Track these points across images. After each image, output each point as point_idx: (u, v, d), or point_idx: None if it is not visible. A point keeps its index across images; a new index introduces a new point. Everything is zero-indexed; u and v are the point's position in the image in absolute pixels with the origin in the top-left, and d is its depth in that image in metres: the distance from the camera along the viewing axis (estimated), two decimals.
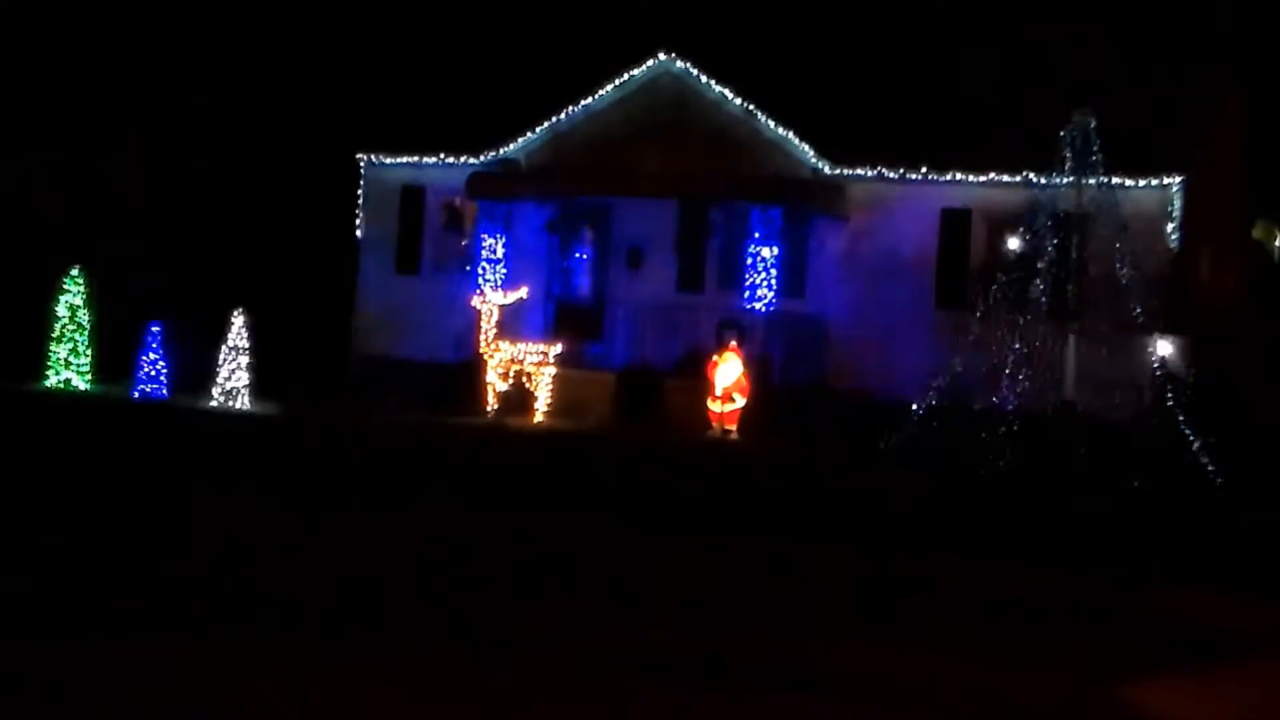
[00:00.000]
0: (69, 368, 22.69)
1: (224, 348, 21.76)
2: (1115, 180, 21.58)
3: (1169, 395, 19.74)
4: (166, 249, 30.16)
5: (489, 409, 22.07)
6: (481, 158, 25.06)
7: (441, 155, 25.56)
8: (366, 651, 7.85)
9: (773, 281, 22.27)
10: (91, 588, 9.13)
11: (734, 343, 21.19)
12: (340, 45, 32.20)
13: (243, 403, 21.65)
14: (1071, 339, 21.50)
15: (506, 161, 25.00)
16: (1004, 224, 22.47)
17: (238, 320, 21.76)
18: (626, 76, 24.23)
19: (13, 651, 7.52)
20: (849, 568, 11.48)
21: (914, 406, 20.43)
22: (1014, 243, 21.83)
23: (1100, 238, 21.62)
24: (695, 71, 23.83)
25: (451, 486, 14.94)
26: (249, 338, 21.80)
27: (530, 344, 22.40)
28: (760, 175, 22.98)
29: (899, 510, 14.87)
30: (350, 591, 9.46)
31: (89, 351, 22.88)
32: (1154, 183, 21.56)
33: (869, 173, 22.95)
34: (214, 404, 21.51)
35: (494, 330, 22.28)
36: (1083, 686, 8.00)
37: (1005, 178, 22.20)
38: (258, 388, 21.95)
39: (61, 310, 22.73)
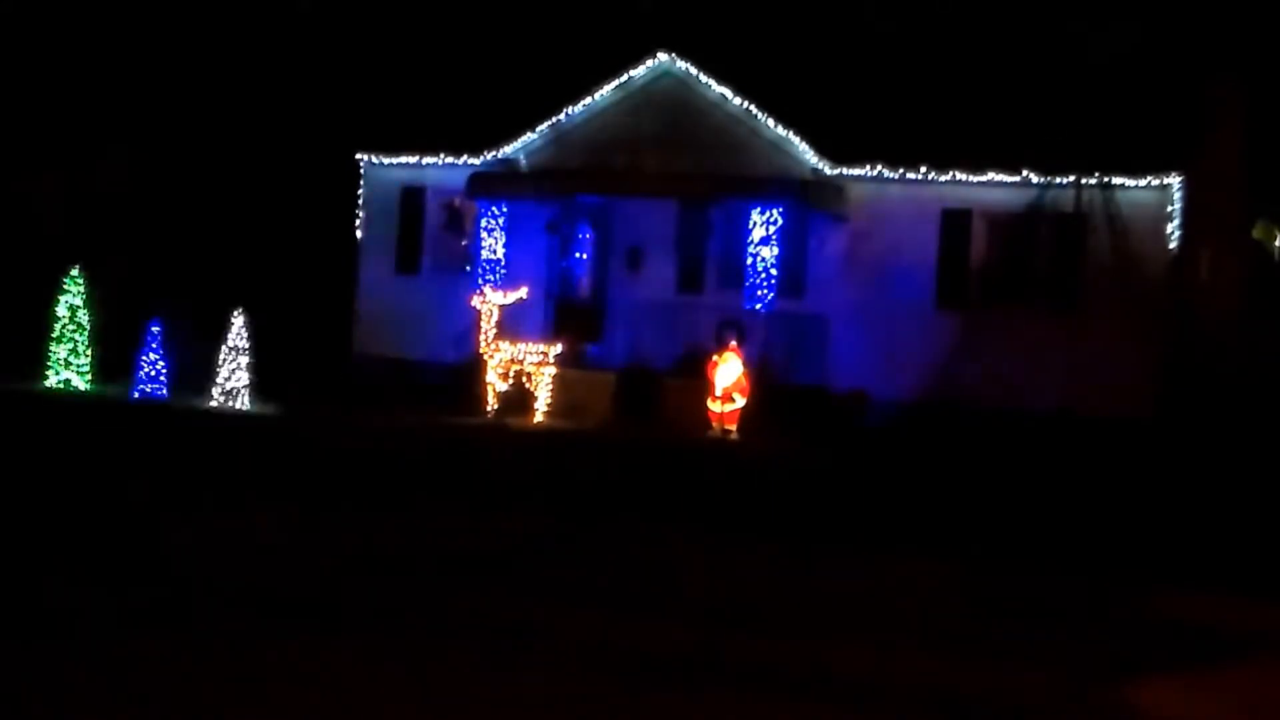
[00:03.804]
0: (69, 368, 22.69)
1: (224, 348, 21.76)
2: (1115, 180, 21.63)
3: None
4: (166, 249, 30.17)
5: (489, 409, 22.07)
6: (481, 158, 25.07)
7: (441, 155, 25.57)
8: (364, 651, 7.85)
9: (772, 281, 22.27)
10: (88, 587, 9.14)
11: (734, 343, 21.20)
12: (340, 45, 32.21)
13: (243, 403, 21.65)
14: (1073, 338, 21.56)
15: (506, 161, 25.01)
16: (1004, 224, 22.52)
17: (238, 320, 21.76)
18: (626, 76, 24.24)
19: (8, 652, 7.53)
20: (846, 569, 11.48)
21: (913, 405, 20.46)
22: (1014, 243, 21.94)
23: (1100, 238, 21.67)
24: (695, 71, 23.84)
25: (451, 487, 14.94)
26: (249, 338, 21.80)
27: (530, 344, 22.40)
28: (760, 175, 22.98)
29: (891, 511, 14.87)
30: (348, 592, 9.46)
31: (89, 351, 22.87)
32: (1154, 183, 21.57)
33: (869, 173, 22.96)
34: (214, 404, 21.51)
35: (494, 330, 22.29)
36: (1081, 686, 8.00)
37: (1005, 178, 22.21)
38: (258, 388, 21.95)
39: (61, 310, 22.73)
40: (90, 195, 30.74)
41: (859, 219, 23.10)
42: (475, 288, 23.57)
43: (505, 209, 24.33)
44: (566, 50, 26.73)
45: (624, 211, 24.36)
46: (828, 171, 23.18)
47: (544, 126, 24.71)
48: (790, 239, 22.84)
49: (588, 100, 24.43)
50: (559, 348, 22.27)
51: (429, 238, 26.15)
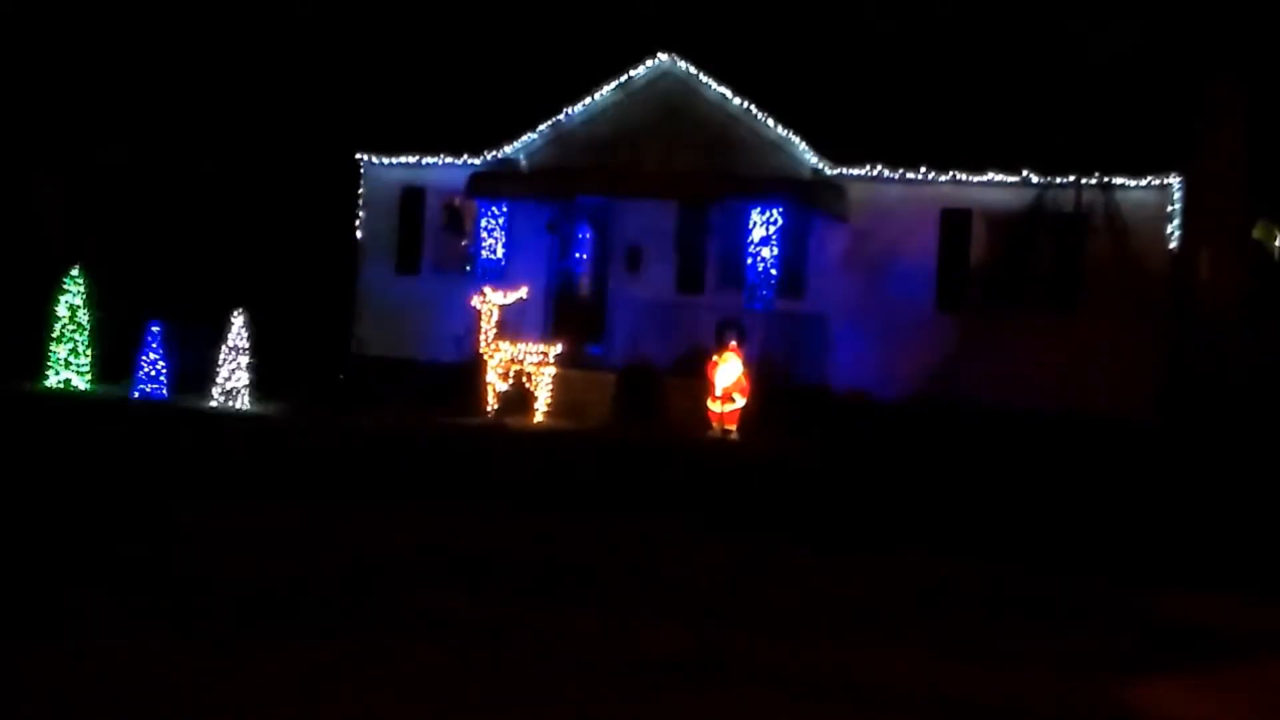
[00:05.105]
0: (69, 368, 22.69)
1: (224, 348, 21.76)
2: (1115, 180, 21.63)
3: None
4: (166, 249, 30.16)
5: (489, 409, 22.07)
6: (481, 158, 25.06)
7: (441, 155, 25.56)
8: (364, 652, 7.85)
9: (773, 281, 22.27)
10: (88, 587, 9.14)
11: (734, 343, 21.19)
12: (340, 45, 32.20)
13: (243, 403, 21.65)
14: (1073, 338, 21.56)
15: (506, 161, 25.00)
16: (1004, 224, 22.52)
17: (238, 320, 21.76)
18: (627, 76, 24.24)
19: (10, 652, 7.54)
20: (846, 569, 11.48)
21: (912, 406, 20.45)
22: (1014, 243, 21.93)
23: (1100, 238, 21.68)
24: (695, 71, 23.83)
25: (451, 487, 14.94)
26: (249, 338, 21.80)
27: (530, 344, 22.40)
28: (760, 175, 22.98)
29: (892, 511, 14.87)
30: (349, 592, 9.46)
31: (89, 351, 22.87)
32: (1154, 183, 21.57)
33: (869, 173, 22.96)
34: (214, 404, 21.52)
35: (494, 330, 22.29)
36: (1083, 686, 8.00)
37: (1005, 178, 22.21)
38: (258, 388, 21.95)
39: (61, 310, 22.73)
40: (90, 195, 30.73)
41: (859, 219, 23.10)
42: (475, 288, 23.56)
43: (505, 209, 24.32)
44: (566, 50, 26.72)
45: (624, 211, 24.36)
46: (828, 171, 23.18)
47: (544, 126, 24.71)
48: (790, 239, 22.84)
49: (588, 100, 24.42)
50: (559, 348, 22.27)
51: (429, 238, 26.13)
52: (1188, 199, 21.75)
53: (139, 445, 17.03)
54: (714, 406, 21.04)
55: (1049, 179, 21.92)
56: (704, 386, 21.22)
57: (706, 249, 24.08)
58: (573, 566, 10.85)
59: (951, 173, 22.47)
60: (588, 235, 25.12)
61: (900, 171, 22.78)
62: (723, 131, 23.72)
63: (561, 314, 24.78)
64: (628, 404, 22.09)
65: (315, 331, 27.32)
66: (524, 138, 24.82)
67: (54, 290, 22.92)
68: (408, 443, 18.69)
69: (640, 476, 16.70)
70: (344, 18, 32.61)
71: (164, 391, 22.17)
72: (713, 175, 23.13)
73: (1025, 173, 22.04)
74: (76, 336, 22.80)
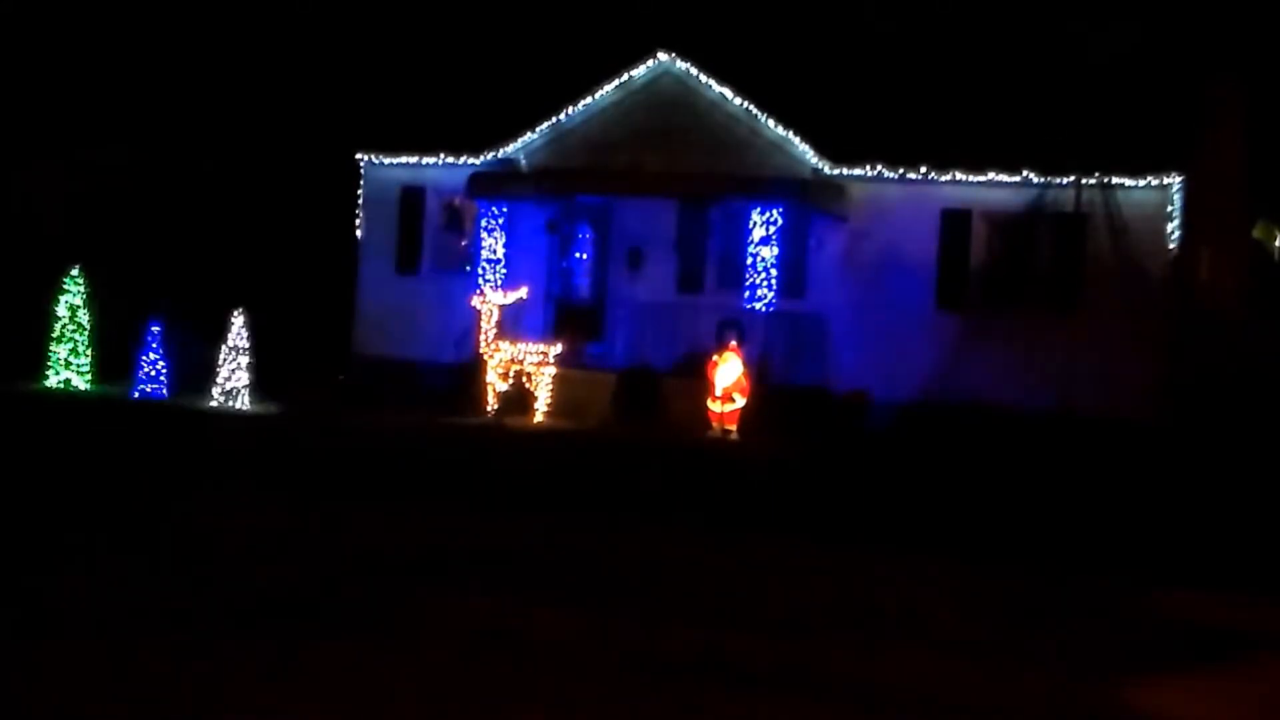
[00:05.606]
0: (69, 368, 22.69)
1: (224, 348, 21.76)
2: (1115, 180, 21.63)
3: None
4: (167, 249, 30.18)
5: (489, 409, 22.08)
6: (481, 158, 25.06)
7: (441, 155, 25.56)
8: (364, 652, 7.85)
9: (773, 281, 22.26)
10: (88, 586, 9.14)
11: (734, 343, 21.20)
12: (340, 45, 32.21)
13: (243, 403, 21.65)
14: (1073, 338, 21.56)
15: (506, 161, 25.00)
16: (1004, 224, 22.52)
17: (238, 320, 21.76)
18: (626, 76, 24.24)
19: (10, 651, 7.55)
20: (846, 570, 11.48)
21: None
22: (1014, 242, 21.93)
23: (1100, 238, 21.69)
24: (695, 71, 23.83)
25: (451, 487, 14.94)
26: (249, 337, 21.80)
27: (530, 344, 22.41)
28: (760, 175, 22.97)
29: (893, 511, 14.87)
30: (349, 592, 9.46)
31: (89, 351, 22.87)
32: (1154, 183, 21.57)
33: (869, 173, 22.96)
34: (214, 404, 21.52)
35: (494, 330, 22.30)
36: (1083, 686, 8.00)
37: (1005, 178, 22.21)
38: (258, 387, 21.95)
39: (61, 310, 22.73)
40: (90, 195, 30.75)
41: (859, 219, 23.10)
42: (475, 288, 23.57)
43: (505, 209, 24.31)
44: (566, 50, 26.73)
45: (624, 211, 24.36)
46: (828, 171, 23.18)
47: (544, 126, 24.71)
48: (790, 239, 22.83)
49: (588, 100, 24.42)
50: (559, 348, 22.28)
51: (429, 238, 26.13)
52: (1188, 199, 21.75)
53: (139, 445, 17.02)
54: (714, 406, 21.04)
55: (1049, 179, 21.92)
56: (704, 386, 21.22)
57: (706, 249, 24.07)
58: (573, 566, 10.85)
59: (952, 173, 22.47)
60: (588, 235, 25.12)
61: (900, 171, 22.77)
62: (722, 131, 23.72)
63: (561, 314, 24.77)
64: (628, 404, 22.09)
65: (315, 331, 27.33)
66: (524, 138, 24.82)
67: (54, 290, 22.92)
68: (408, 443, 18.68)
69: (640, 476, 16.70)
70: (344, 18, 32.62)
71: (164, 391, 22.17)
72: (713, 175, 23.12)
73: (1025, 173, 22.04)
74: (76, 336, 22.80)
